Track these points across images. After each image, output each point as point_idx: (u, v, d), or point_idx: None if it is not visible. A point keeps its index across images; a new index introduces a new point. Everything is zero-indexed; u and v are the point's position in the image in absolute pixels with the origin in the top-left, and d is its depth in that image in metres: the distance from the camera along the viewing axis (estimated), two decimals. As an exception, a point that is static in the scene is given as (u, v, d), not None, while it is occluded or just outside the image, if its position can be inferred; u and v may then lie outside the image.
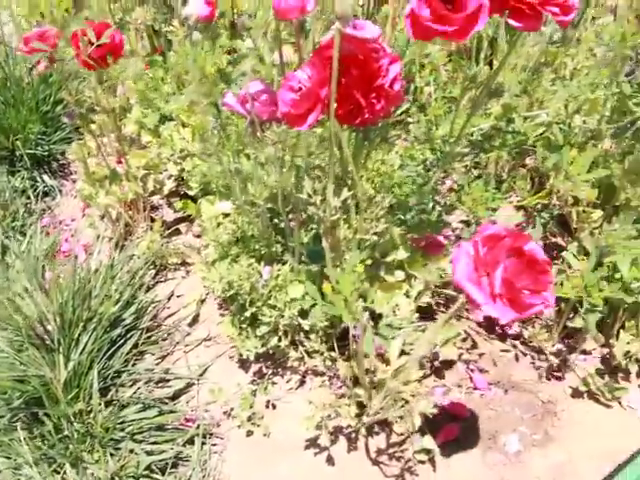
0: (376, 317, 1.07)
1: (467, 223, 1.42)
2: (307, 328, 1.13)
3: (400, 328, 1.10)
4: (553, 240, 1.47)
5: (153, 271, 1.51)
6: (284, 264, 1.12)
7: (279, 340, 1.16)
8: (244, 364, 1.31)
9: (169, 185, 1.55)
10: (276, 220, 1.13)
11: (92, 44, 1.29)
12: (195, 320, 1.43)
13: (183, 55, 0.98)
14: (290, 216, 1.07)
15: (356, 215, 1.01)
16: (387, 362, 1.00)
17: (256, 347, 1.17)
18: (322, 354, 1.16)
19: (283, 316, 1.10)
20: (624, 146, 1.25)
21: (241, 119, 1.08)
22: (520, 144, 1.20)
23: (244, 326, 1.19)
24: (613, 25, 1.20)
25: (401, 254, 1.14)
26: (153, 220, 1.56)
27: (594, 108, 1.30)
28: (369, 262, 1.03)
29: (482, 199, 1.16)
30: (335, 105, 0.85)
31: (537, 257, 0.72)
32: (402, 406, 1.01)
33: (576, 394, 1.24)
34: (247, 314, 1.12)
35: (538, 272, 0.72)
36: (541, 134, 1.28)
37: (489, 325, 1.34)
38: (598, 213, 1.28)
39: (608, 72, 1.20)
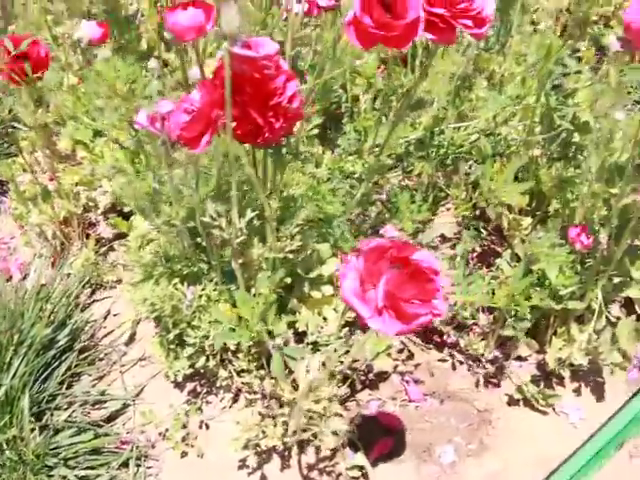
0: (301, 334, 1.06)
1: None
2: (233, 348, 1.11)
3: (327, 344, 1.09)
4: (492, 247, 1.46)
5: (89, 290, 1.49)
6: (209, 283, 1.10)
7: (207, 360, 1.14)
8: (179, 383, 1.28)
9: (104, 202, 1.52)
10: (199, 239, 1.11)
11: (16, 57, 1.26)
12: (132, 339, 1.40)
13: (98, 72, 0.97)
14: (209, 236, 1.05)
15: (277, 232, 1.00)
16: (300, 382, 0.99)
17: (184, 368, 1.15)
18: (251, 372, 1.14)
19: (208, 337, 1.08)
20: (552, 154, 1.25)
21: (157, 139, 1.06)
22: (445, 156, 1.19)
23: (172, 347, 1.17)
24: (539, 37, 1.19)
25: (327, 269, 1.13)
26: (89, 237, 1.53)
27: (525, 117, 1.30)
28: (288, 280, 1.02)
29: (408, 211, 1.15)
30: (234, 125, 0.83)
31: (422, 266, 0.71)
32: (318, 425, 0.99)
33: (512, 402, 1.24)
34: (171, 336, 1.10)
35: (424, 281, 0.70)
36: (472, 143, 1.28)
37: (426, 335, 1.33)
38: (528, 220, 1.28)
39: (534, 83, 1.19)
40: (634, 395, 1.26)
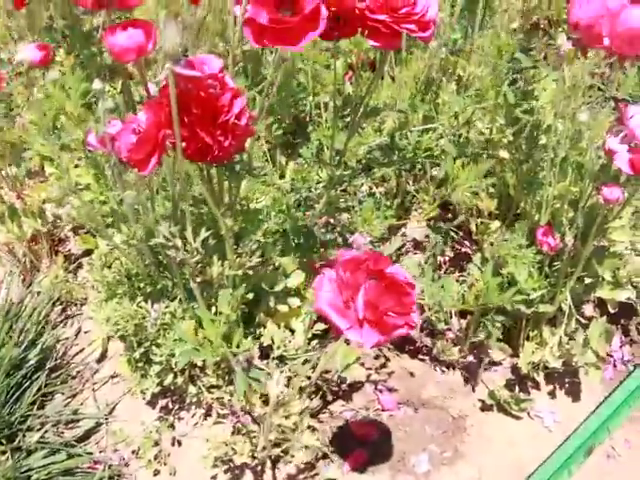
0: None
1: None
2: (201, 364, 1.10)
3: (295, 358, 1.07)
4: (464, 251, 1.45)
5: (60, 307, 1.47)
6: (173, 301, 1.09)
7: (175, 377, 1.13)
8: (151, 400, 1.27)
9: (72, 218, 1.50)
10: (161, 257, 1.10)
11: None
12: (103, 356, 1.38)
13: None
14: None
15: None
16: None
17: (152, 386, 1.14)
18: (220, 388, 1.13)
19: (174, 355, 1.07)
20: (519, 155, 1.24)
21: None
22: (413, 160, 1.18)
23: (140, 365, 1.15)
24: (490, 36, 1.18)
25: (292, 281, 1.12)
26: (58, 254, 1.52)
27: (492, 117, 1.29)
28: (251, 296, 1.01)
29: (372, 218, 1.14)
30: (183, 144, 0.82)
31: (398, 279, 0.70)
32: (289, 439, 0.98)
33: (486, 407, 1.23)
34: (136, 355, 1.09)
35: (400, 294, 0.70)
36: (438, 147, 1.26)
37: (400, 341, 1.32)
38: (496, 224, 1.27)
39: (492, 82, 1.18)
40: (604, 400, 1.25)
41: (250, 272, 0.96)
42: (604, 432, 1.20)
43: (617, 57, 1.01)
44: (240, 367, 0.90)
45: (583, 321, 1.24)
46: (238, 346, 0.89)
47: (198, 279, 0.94)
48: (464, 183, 1.09)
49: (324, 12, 0.79)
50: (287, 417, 0.95)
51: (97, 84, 0.87)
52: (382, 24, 0.85)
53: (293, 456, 1.03)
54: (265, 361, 1.03)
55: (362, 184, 1.28)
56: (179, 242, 0.86)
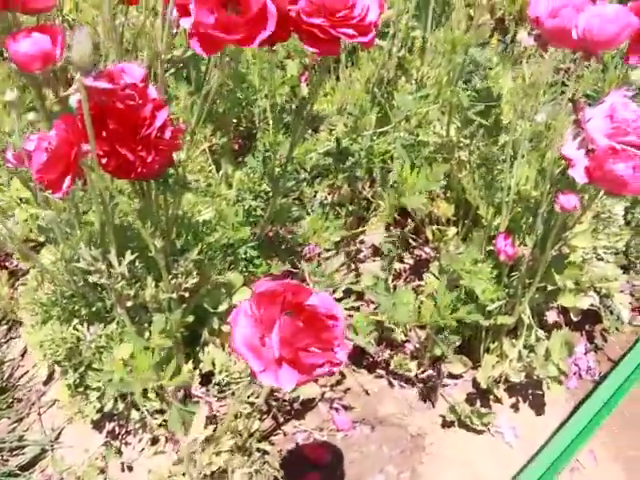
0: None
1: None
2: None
3: (238, 382, 1.02)
4: (424, 257, 1.40)
5: (5, 327, 1.40)
6: (111, 322, 1.03)
7: (116, 403, 1.07)
8: (97, 424, 1.21)
9: (18, 232, 1.43)
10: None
11: None
12: (50, 378, 1.32)
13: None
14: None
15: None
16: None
17: (91, 412, 1.08)
18: (164, 413, 1.07)
19: (112, 380, 1.01)
20: (475, 157, 1.19)
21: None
22: (368, 165, 1.13)
23: (80, 389, 1.09)
24: (443, 32, 1.12)
25: (238, 299, 1.06)
26: (2, 269, 1.45)
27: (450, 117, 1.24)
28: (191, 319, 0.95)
29: (321, 230, 1.09)
30: (105, 161, 0.76)
31: (318, 312, 0.64)
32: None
33: (446, 424, 1.19)
34: (71, 380, 1.03)
35: (320, 329, 0.63)
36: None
37: (357, 356, 1.27)
38: (453, 230, 1.22)
39: (446, 81, 1.13)
40: (568, 419, 1.21)
41: (186, 295, 0.90)
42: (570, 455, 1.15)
43: (582, 53, 0.96)
44: (174, 400, 0.84)
45: (543, 333, 1.19)
46: (172, 377, 0.83)
47: (129, 303, 0.88)
48: (414, 189, 1.04)
49: (273, 10, 0.74)
50: (217, 454, 0.89)
51: (9, 95, 0.81)
52: (318, 28, 0.80)
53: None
54: (205, 388, 0.97)
55: (315, 192, 1.22)
56: (102, 266, 0.80)
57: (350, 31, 0.80)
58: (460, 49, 1.06)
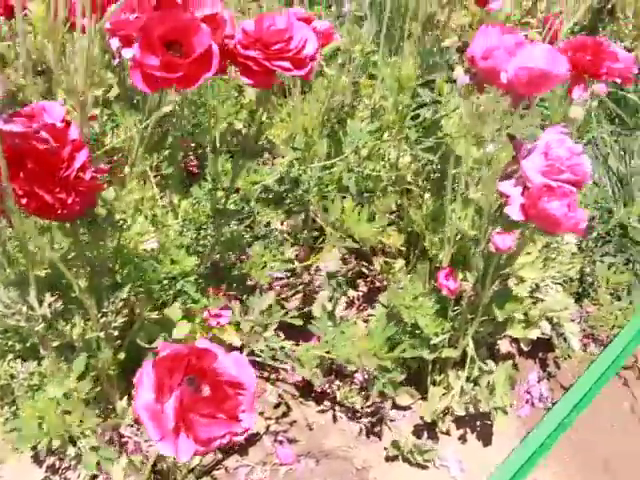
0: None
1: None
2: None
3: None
4: (377, 285, 1.39)
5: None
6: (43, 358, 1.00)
7: (50, 441, 1.04)
8: (37, 458, 1.19)
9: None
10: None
11: None
12: (-6, 407, 1.29)
13: None
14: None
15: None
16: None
17: (25, 450, 1.05)
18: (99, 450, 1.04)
19: (43, 418, 0.99)
20: (423, 189, 1.19)
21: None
22: (304, 199, 1.12)
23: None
24: (390, 68, 1.12)
25: (179, 331, 1.04)
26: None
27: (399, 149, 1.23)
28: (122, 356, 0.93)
29: (261, 263, 1.07)
30: (24, 201, 0.74)
31: (222, 380, 0.62)
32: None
33: (390, 457, 1.17)
34: (3, 419, 1.00)
35: (223, 399, 0.61)
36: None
37: (305, 387, 1.25)
38: (401, 263, 1.21)
39: (395, 117, 1.12)
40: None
41: (115, 333, 0.88)
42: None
43: (512, 97, 0.96)
44: (100, 441, 0.82)
45: (494, 363, 1.18)
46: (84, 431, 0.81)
47: (56, 343, 0.86)
48: (356, 224, 1.03)
49: (216, 51, 0.74)
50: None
51: None
52: (253, 61, 0.80)
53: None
54: (137, 427, 0.95)
55: (259, 221, 1.21)
56: (24, 308, 0.78)
57: (286, 64, 0.80)
58: (407, 89, 1.05)
